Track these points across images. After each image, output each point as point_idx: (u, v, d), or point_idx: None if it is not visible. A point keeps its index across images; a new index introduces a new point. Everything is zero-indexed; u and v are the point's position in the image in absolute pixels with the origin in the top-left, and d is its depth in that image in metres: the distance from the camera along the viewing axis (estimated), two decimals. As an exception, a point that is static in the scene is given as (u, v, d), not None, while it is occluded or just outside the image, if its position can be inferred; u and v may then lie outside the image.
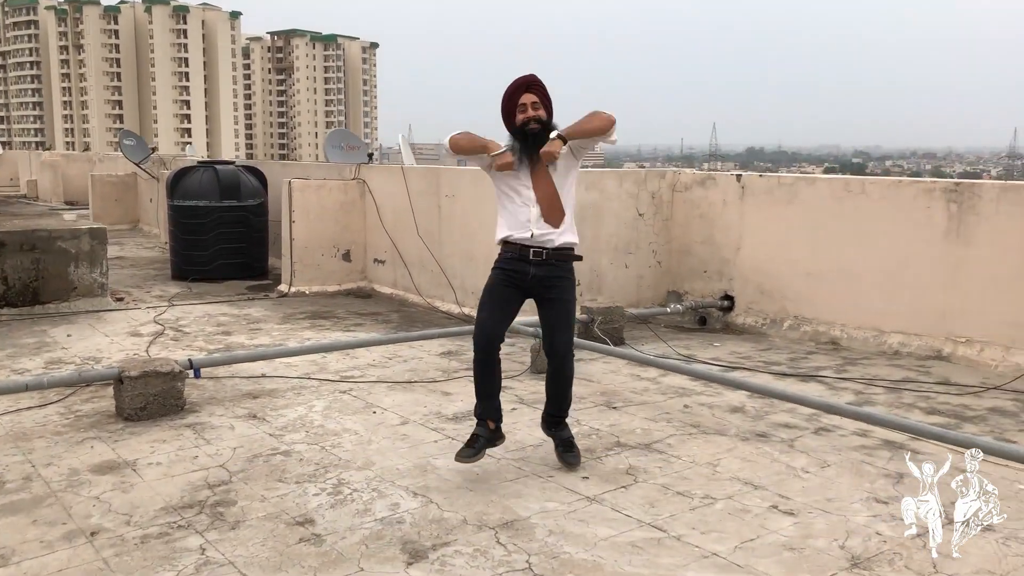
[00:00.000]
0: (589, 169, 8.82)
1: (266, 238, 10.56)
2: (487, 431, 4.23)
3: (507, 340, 6.61)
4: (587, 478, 4.16)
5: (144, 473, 4.21)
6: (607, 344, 6.66)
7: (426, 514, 3.74)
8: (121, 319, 7.81)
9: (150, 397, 5.01)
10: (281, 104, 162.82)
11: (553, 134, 4.13)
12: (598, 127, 4.10)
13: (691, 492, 3.99)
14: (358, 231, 9.54)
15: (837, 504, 3.87)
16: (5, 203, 11.54)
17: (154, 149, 14.93)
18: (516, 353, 6.54)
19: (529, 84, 4.22)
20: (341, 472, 4.22)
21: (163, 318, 7.87)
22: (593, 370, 6.19)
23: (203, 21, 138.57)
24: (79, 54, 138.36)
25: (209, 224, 10.05)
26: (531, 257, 4.20)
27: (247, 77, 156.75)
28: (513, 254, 4.24)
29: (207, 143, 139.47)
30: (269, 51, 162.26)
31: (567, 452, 4.31)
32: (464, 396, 5.49)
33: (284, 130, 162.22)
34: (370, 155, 10.60)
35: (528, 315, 7.36)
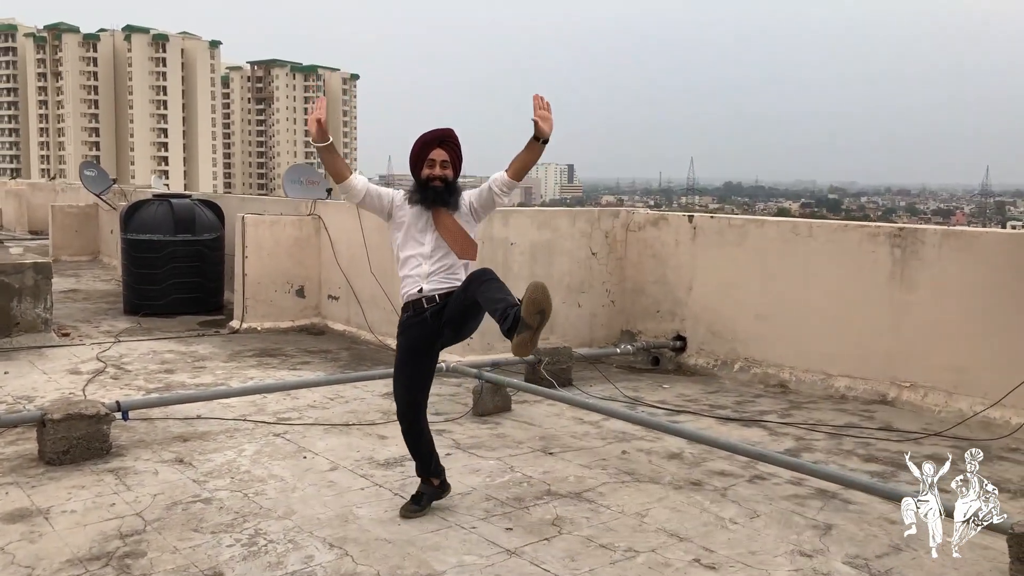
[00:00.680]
0: (542, 208, 8.81)
1: (222, 273, 10.44)
2: (431, 488, 4.30)
3: (452, 381, 6.58)
4: (511, 529, 4.08)
5: (56, 522, 4.09)
6: (553, 385, 6.60)
7: (339, 567, 3.64)
8: (64, 356, 7.66)
9: (74, 440, 4.88)
10: (260, 134, 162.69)
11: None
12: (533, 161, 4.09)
13: (614, 545, 3.92)
14: (313, 267, 9.45)
15: (760, 558, 3.81)
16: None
17: (114, 180, 14.80)
18: (460, 394, 6.46)
19: (442, 139, 4.21)
20: (260, 522, 4.12)
21: (106, 355, 7.74)
22: (535, 413, 6.12)
23: (183, 50, 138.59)
24: (57, 81, 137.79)
25: (163, 258, 9.93)
26: (425, 306, 4.15)
27: (226, 107, 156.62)
28: (411, 313, 4.20)
29: (184, 171, 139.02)
30: (249, 80, 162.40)
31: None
32: (399, 440, 5.34)
33: (263, 159, 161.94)
34: (328, 191, 10.52)
35: (474, 355, 7.33)
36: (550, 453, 5.23)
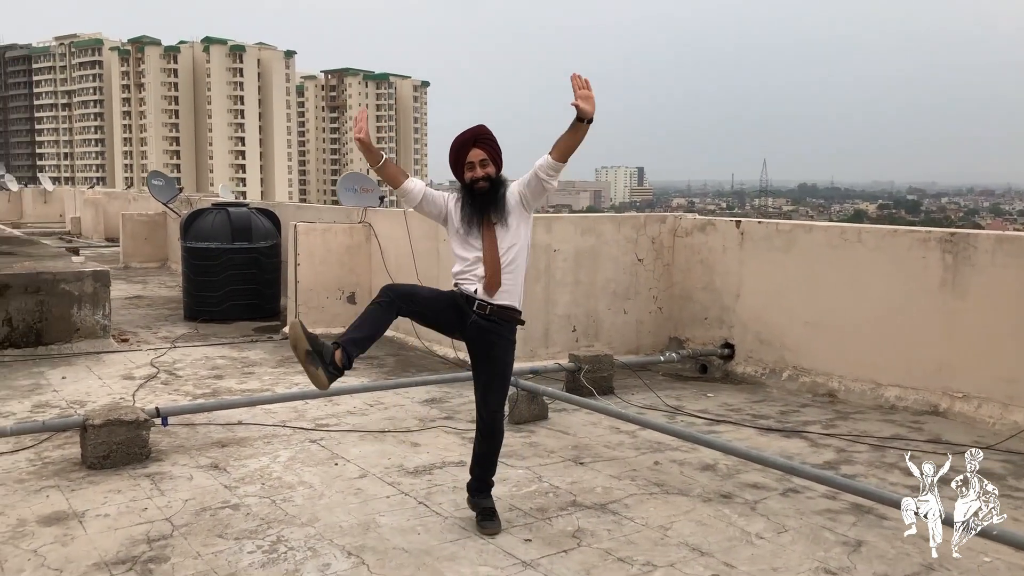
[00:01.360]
0: (586, 214, 8.75)
1: (279, 279, 10.64)
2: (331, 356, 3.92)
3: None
4: (530, 540, 4.05)
5: (89, 525, 4.21)
6: (593, 394, 6.55)
7: (354, 576, 3.67)
8: (119, 361, 7.90)
9: (113, 446, 5.02)
10: (334, 142, 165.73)
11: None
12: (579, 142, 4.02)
13: (633, 558, 3.86)
14: (363, 274, 9.57)
15: (782, 575, 3.71)
16: (24, 243, 11.80)
17: (180, 189, 15.22)
18: (499, 402, 6.45)
19: (476, 138, 4.17)
20: (283, 528, 4.17)
21: (160, 360, 7.95)
22: (572, 421, 6.08)
23: (259, 60, 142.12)
24: (140, 93, 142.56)
25: (220, 265, 10.17)
26: (475, 309, 4.12)
27: (301, 115, 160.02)
28: (458, 293, 4.18)
29: (261, 179, 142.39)
30: (323, 89, 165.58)
31: (487, 520, 4.14)
32: (431, 448, 5.43)
33: (336, 167, 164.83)
34: (381, 198, 10.66)
35: (516, 362, 7.31)
36: (581, 463, 5.18)
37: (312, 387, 6.89)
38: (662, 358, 7.65)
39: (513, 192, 4.17)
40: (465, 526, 4.20)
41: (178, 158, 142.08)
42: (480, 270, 4.14)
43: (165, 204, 14.86)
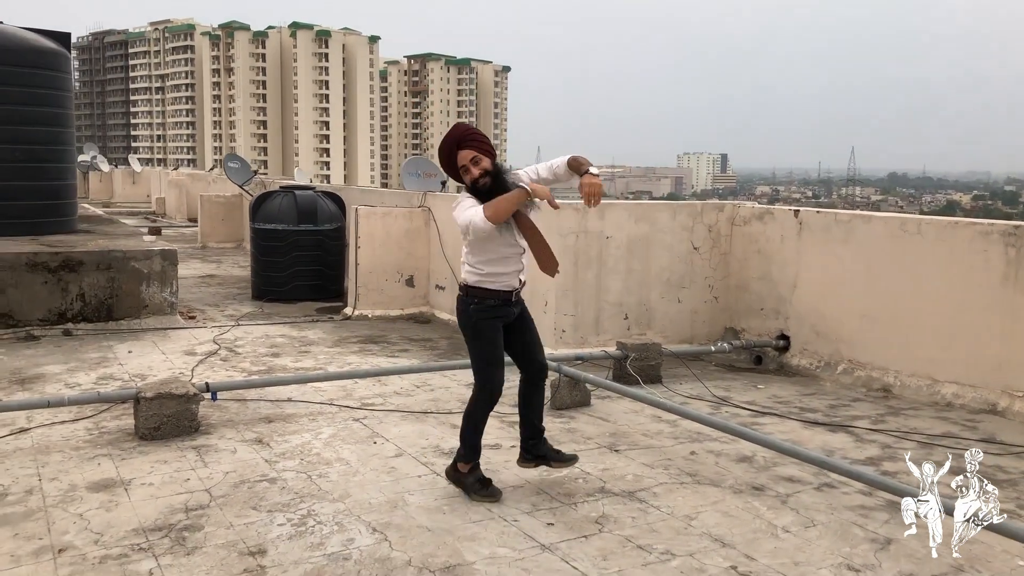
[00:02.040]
0: (640, 202, 8.69)
1: (342, 262, 10.84)
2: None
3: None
4: (552, 524, 4.08)
5: (134, 493, 4.40)
6: (638, 382, 6.53)
7: (375, 552, 3.76)
8: (184, 337, 8.18)
9: (164, 418, 5.23)
10: (416, 127, 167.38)
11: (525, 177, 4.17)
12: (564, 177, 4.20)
13: (652, 546, 3.86)
14: (422, 257, 9.69)
15: (802, 569, 3.67)
16: (103, 221, 12.28)
17: (255, 172, 15.60)
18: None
19: (460, 141, 4.20)
20: (315, 503, 4.29)
21: (223, 338, 8.21)
22: (614, 409, 6.08)
23: (344, 45, 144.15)
24: (229, 77, 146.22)
25: (286, 247, 10.42)
26: (513, 300, 4.37)
27: (384, 100, 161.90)
28: (497, 301, 4.30)
29: (344, 163, 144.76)
30: (405, 74, 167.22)
31: (560, 456, 4.55)
32: (470, 430, 5.49)
33: (418, 152, 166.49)
34: (443, 183, 10.76)
35: (566, 348, 7.33)
36: (616, 450, 5.18)
37: (360, 366, 7.06)
38: (713, 348, 7.57)
39: (524, 177, 4.23)
40: (491, 508, 4.26)
41: (265, 141, 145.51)
42: (520, 264, 4.34)
43: (240, 186, 15.27)
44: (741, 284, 8.19)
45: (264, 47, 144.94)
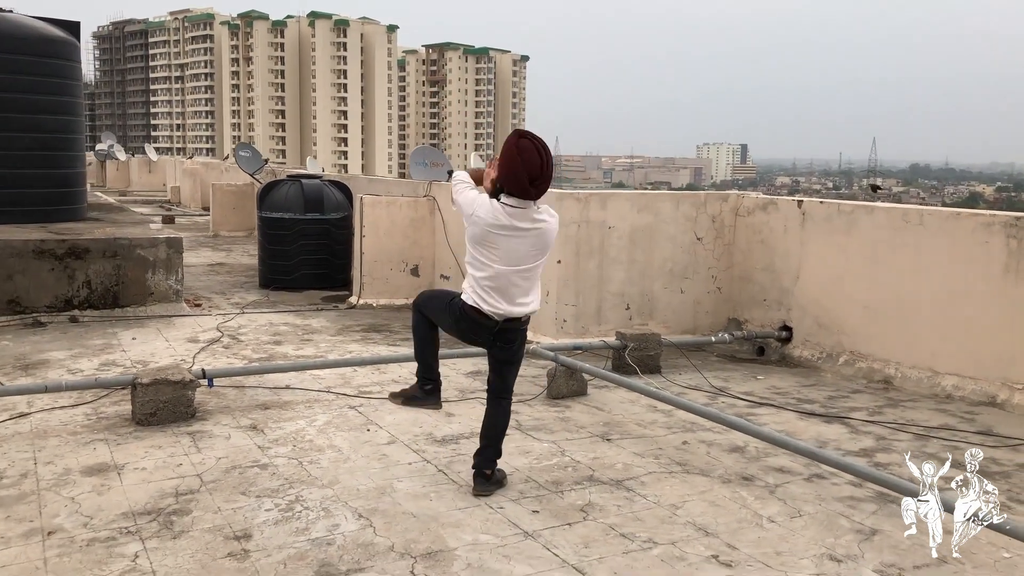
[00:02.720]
0: (643, 192, 8.67)
1: (348, 250, 10.87)
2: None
3: (539, 363, 6.59)
4: (537, 512, 4.10)
5: (126, 477, 4.45)
6: (636, 372, 6.53)
7: (358, 537, 3.79)
8: (189, 325, 8.25)
9: (160, 404, 5.27)
10: (434, 116, 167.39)
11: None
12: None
13: (635, 535, 3.87)
14: (427, 247, 9.71)
15: (784, 559, 3.67)
16: (114, 209, 12.36)
17: (266, 161, 15.67)
18: (542, 377, 6.48)
19: (536, 179, 4.11)
20: (303, 489, 4.33)
21: (227, 325, 8.26)
22: (609, 398, 6.08)
23: (362, 34, 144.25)
24: (248, 66, 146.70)
25: (292, 235, 10.47)
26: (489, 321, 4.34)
27: (402, 90, 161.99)
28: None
29: (362, 152, 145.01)
30: (423, 64, 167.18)
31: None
32: (464, 418, 5.52)
33: (436, 141, 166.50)
34: (449, 173, 10.75)
35: (567, 337, 7.34)
36: (608, 439, 5.19)
37: (360, 355, 7.09)
38: (714, 339, 7.55)
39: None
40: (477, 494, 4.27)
41: (283, 131, 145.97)
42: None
43: (251, 175, 15.34)
44: (744, 275, 8.16)
45: (283, 36, 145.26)
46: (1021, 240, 5.97)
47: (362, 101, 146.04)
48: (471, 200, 4.18)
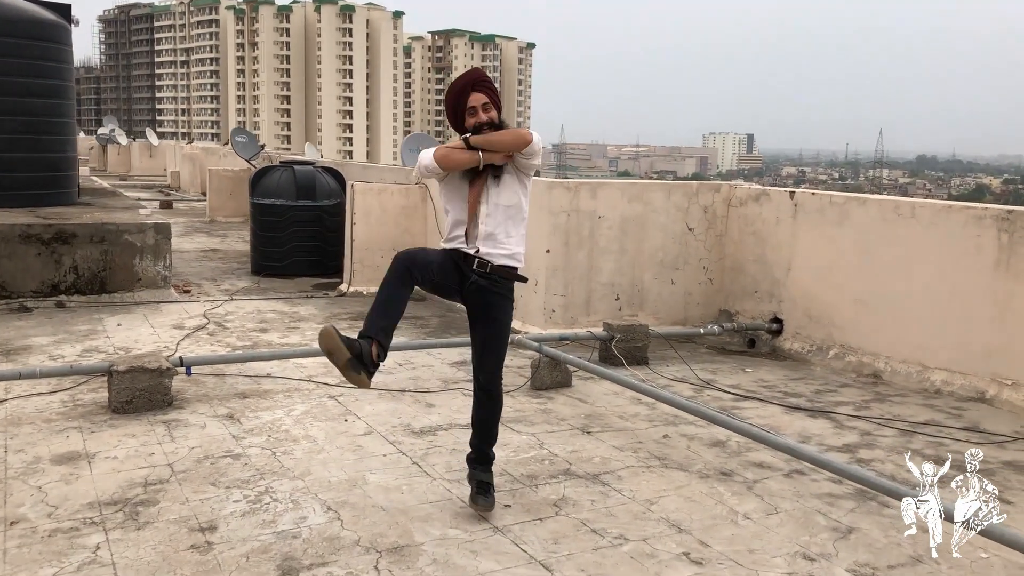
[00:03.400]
0: (634, 181, 8.59)
1: (341, 238, 10.78)
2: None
3: (526, 354, 6.52)
4: (509, 506, 4.04)
5: (96, 466, 4.39)
6: (623, 363, 6.47)
7: (325, 531, 3.73)
8: (175, 311, 8.19)
9: (136, 392, 5.22)
10: (439, 103, 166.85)
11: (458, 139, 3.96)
12: (510, 143, 3.90)
13: (606, 530, 3.80)
14: (418, 235, 9.64)
15: (756, 557, 3.60)
16: (106, 194, 12.30)
17: (262, 146, 15.58)
18: (526, 368, 6.42)
19: (475, 82, 3.95)
20: (274, 480, 4.27)
21: (214, 312, 8.20)
22: (593, 390, 6.01)
23: (368, 20, 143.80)
24: (253, 51, 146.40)
25: (284, 222, 10.40)
26: (474, 267, 3.93)
27: (407, 76, 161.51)
28: (456, 256, 3.99)
29: (367, 139, 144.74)
30: (429, 50, 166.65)
31: (480, 495, 3.96)
32: (444, 410, 5.45)
33: (440, 128, 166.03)
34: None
35: (556, 328, 7.27)
36: (588, 432, 5.13)
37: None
38: (703, 331, 7.48)
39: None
40: (451, 488, 4.22)
41: (288, 116, 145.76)
42: (484, 226, 3.93)
43: (248, 160, 15.26)
44: (736, 266, 8.08)
45: (288, 21, 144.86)
46: (1012, 234, 5.88)
47: (367, 87, 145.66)
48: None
